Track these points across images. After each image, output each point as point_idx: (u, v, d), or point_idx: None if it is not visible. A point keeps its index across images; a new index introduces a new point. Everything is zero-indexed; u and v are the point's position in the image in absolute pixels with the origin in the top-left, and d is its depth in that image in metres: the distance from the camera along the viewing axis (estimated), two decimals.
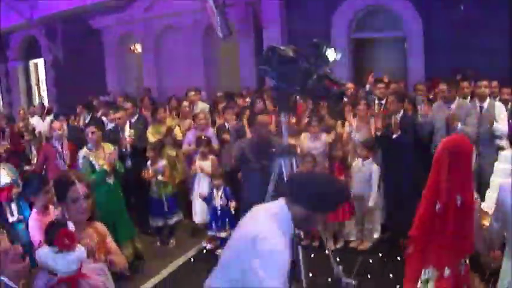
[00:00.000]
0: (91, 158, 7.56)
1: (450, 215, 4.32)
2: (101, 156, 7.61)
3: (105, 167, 7.46)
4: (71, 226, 3.73)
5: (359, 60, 15.23)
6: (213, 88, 16.04)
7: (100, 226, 4.26)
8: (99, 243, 4.08)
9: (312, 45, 4.93)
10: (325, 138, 8.85)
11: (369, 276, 7.20)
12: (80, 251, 3.69)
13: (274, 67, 5.09)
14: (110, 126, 9.77)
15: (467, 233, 4.41)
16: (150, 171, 8.59)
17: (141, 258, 8.11)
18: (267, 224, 3.45)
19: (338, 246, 8.42)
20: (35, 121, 14.32)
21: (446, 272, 4.42)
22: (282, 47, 5.16)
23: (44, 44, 21.56)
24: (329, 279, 6.79)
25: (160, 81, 18.08)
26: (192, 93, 11.20)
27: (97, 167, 7.51)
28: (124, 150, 9.01)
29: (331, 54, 4.89)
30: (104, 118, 10.92)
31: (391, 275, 7.14)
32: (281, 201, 3.57)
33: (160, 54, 18.56)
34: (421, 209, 4.60)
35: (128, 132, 9.19)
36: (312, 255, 7.77)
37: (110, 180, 7.59)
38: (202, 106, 11.18)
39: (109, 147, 7.81)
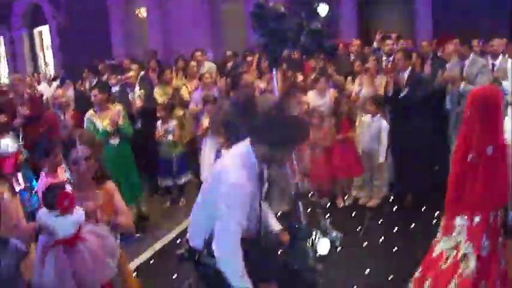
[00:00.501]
0: (94, 120, 7.58)
1: (482, 164, 4.32)
2: (105, 118, 7.62)
3: (108, 128, 7.49)
4: (68, 188, 3.78)
5: (366, 19, 15.05)
6: (220, 49, 15.91)
7: (109, 185, 4.29)
8: (105, 204, 4.13)
9: (304, 1, 4.91)
10: (332, 94, 8.79)
11: (377, 232, 7.20)
12: (79, 214, 3.77)
13: (264, 24, 4.98)
14: (115, 89, 9.70)
15: (500, 183, 4.40)
16: (161, 131, 8.58)
17: (146, 220, 8.18)
18: (230, 161, 3.79)
19: (347, 203, 8.43)
20: (42, 88, 14.30)
21: (476, 219, 4.44)
22: (271, 4, 5.03)
23: (47, 11, 21.47)
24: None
25: (165, 43, 17.87)
26: (199, 53, 11.12)
27: (100, 128, 7.53)
28: (134, 111, 9.00)
29: (322, 9, 4.84)
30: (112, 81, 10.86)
31: (398, 231, 7.17)
32: (246, 142, 3.82)
33: (165, 16, 18.31)
34: (453, 164, 4.63)
35: (138, 93, 9.17)
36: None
37: (114, 141, 7.61)
38: (208, 66, 11.11)
39: (118, 108, 7.83)
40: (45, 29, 23.14)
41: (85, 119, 7.67)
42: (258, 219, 3.93)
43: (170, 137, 8.56)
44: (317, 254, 4.04)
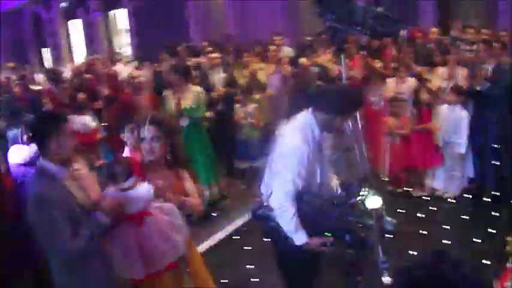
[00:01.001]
0: (168, 100, 7.69)
1: None
2: (188, 98, 7.67)
3: (173, 109, 7.54)
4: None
5: (445, 6, 14.70)
6: (297, 33, 15.83)
7: (184, 174, 4.34)
8: (175, 185, 4.18)
9: None
10: (411, 83, 8.67)
11: (453, 225, 7.06)
12: (147, 189, 3.84)
13: (331, 7, 5.10)
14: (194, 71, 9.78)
15: None
16: (240, 113, 8.62)
17: (225, 199, 8.24)
18: (289, 127, 4.27)
19: (424, 193, 8.26)
20: (118, 68, 14.53)
21: None
22: None
23: None
24: None
25: (242, 26, 17.92)
26: (278, 37, 11.14)
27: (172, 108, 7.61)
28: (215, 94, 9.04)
29: None
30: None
31: (475, 225, 7.04)
32: (305, 112, 4.25)
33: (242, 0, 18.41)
34: None
35: (221, 75, 9.22)
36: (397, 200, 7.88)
37: (183, 123, 7.56)
38: (287, 51, 11.10)
39: (196, 90, 7.85)
40: (121, 12, 23.53)
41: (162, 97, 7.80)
42: (318, 179, 4.26)
43: (250, 120, 8.59)
44: (367, 208, 4.25)
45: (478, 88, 7.74)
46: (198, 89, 7.94)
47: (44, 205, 3.45)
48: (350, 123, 4.97)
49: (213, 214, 7.98)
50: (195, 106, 7.71)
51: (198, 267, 4.35)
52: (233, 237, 7.33)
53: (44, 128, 3.65)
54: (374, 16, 4.96)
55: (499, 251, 4.89)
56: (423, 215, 7.43)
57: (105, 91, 9.58)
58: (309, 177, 4.15)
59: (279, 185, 4.13)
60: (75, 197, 3.64)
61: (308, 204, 4.13)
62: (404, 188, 8.38)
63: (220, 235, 7.39)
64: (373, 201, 4.29)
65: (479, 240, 6.50)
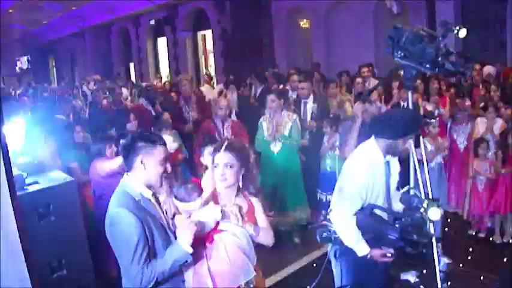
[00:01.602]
0: (264, 124, 7.78)
1: None
2: (275, 124, 7.79)
3: (268, 136, 7.68)
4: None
5: None
6: (384, 65, 15.82)
7: (254, 200, 4.25)
8: (248, 213, 4.11)
9: (441, 23, 5.04)
10: (501, 125, 8.53)
11: None
12: (215, 210, 3.85)
13: (401, 46, 5.09)
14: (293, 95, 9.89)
15: None
16: (327, 144, 8.67)
17: (305, 229, 8.24)
18: (356, 155, 4.74)
19: (505, 239, 8.02)
20: (204, 89, 14.84)
21: None
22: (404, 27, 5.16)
23: (212, 16, 22.23)
24: None
25: (328, 56, 17.99)
26: (366, 69, 11.19)
27: (265, 135, 7.75)
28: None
29: (461, 32, 4.96)
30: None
31: None
32: (371, 140, 4.67)
33: (329, 29, 18.49)
34: None
35: (310, 104, 9.30)
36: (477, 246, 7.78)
37: (274, 149, 7.77)
38: (374, 82, 11.13)
39: (293, 117, 7.97)
40: (208, 33, 24.00)
41: (259, 122, 7.88)
42: (383, 200, 4.66)
43: (336, 152, 8.62)
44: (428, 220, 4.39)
45: None
46: (295, 116, 8.07)
47: (121, 226, 3.46)
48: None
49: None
50: (292, 133, 7.87)
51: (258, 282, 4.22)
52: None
53: (129, 146, 3.64)
54: (445, 54, 4.95)
55: None
56: (503, 262, 7.26)
57: (193, 112, 9.81)
58: (372, 199, 4.58)
59: (337, 206, 4.69)
60: (164, 219, 3.69)
61: (371, 217, 4.52)
62: (484, 234, 8.20)
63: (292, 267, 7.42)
64: (435, 213, 4.37)
65: None
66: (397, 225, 4.40)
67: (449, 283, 6.58)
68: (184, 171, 8.22)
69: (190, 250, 3.53)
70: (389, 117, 4.90)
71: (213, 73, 22.26)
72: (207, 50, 25.01)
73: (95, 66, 30.77)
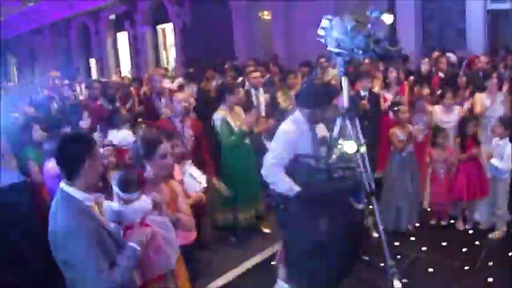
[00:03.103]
0: (229, 119, 7.58)
1: None
2: (237, 119, 7.64)
3: (244, 127, 7.49)
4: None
5: (495, 33, 14.52)
6: None
7: (175, 185, 4.44)
8: (170, 201, 4.22)
9: (370, 11, 5.64)
10: (458, 111, 8.55)
11: (495, 265, 6.78)
12: (145, 202, 3.84)
13: (334, 35, 5.78)
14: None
15: None
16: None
17: (262, 218, 8.15)
18: (285, 121, 5.53)
19: (467, 226, 8.03)
20: (164, 84, 14.60)
21: None
22: (337, 17, 5.82)
23: (171, 9, 22.03)
24: None
25: (289, 47, 17.88)
26: (323, 60, 11.11)
27: (235, 128, 7.53)
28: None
29: (387, 18, 5.66)
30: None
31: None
32: (297, 110, 5.52)
33: (289, 20, 18.31)
34: None
35: (263, 96, 9.19)
36: (440, 234, 7.78)
37: (248, 141, 7.69)
38: (333, 73, 11.03)
39: (238, 109, 7.83)
40: (168, 27, 23.79)
41: (216, 119, 7.62)
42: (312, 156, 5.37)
43: None
44: (345, 152, 5.48)
45: None
46: (239, 108, 7.95)
47: (82, 239, 3.28)
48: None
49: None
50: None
51: (183, 283, 4.30)
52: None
53: (77, 153, 3.43)
54: (374, 40, 5.56)
55: None
56: (464, 249, 7.26)
57: (166, 108, 9.64)
58: (298, 152, 5.29)
59: (266, 158, 5.36)
60: (106, 225, 3.57)
61: (299, 165, 5.25)
62: (446, 222, 8.17)
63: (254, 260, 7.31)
64: (350, 146, 5.53)
65: None
66: (322, 166, 5.25)
67: (412, 272, 6.60)
68: None
69: (134, 244, 3.52)
70: (306, 91, 5.78)
71: (172, 66, 22.05)
72: (168, 44, 24.76)
73: (55, 62, 30.31)
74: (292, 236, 5.42)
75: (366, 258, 6.67)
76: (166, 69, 17.48)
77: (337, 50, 5.89)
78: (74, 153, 3.42)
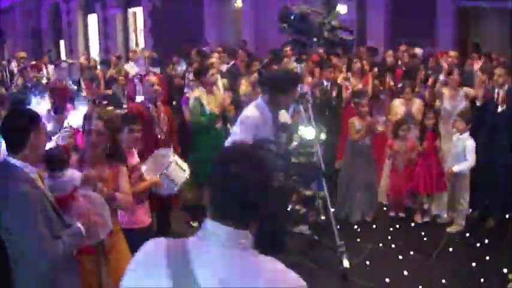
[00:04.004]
0: (203, 101, 7.53)
1: None
2: (212, 100, 7.61)
3: (216, 111, 7.49)
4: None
5: (464, 30, 14.57)
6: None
7: (120, 167, 4.50)
8: (110, 179, 4.31)
9: (324, 2, 5.71)
10: (418, 104, 8.58)
11: (453, 256, 6.91)
12: (74, 176, 3.95)
13: (291, 24, 5.90)
14: None
15: None
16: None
17: None
18: (248, 107, 5.60)
19: (425, 219, 8.05)
20: (128, 67, 14.49)
21: None
22: (295, 6, 5.99)
23: None
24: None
25: (258, 35, 17.80)
26: (289, 48, 11.03)
27: (207, 110, 7.50)
28: None
29: (342, 8, 5.76)
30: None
31: (476, 256, 6.81)
32: (260, 96, 5.62)
33: (260, 8, 18.19)
34: None
35: (221, 81, 9.13)
36: (397, 226, 7.82)
37: (219, 125, 7.65)
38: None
39: (219, 94, 7.91)
40: (139, 11, 23.54)
41: (192, 97, 7.61)
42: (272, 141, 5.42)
43: None
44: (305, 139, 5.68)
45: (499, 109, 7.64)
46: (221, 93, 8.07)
47: (25, 206, 3.34)
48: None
49: None
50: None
51: (118, 260, 4.27)
52: None
53: (22, 126, 3.50)
54: (330, 28, 5.76)
55: None
56: (422, 241, 7.34)
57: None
58: (259, 136, 5.27)
59: (229, 141, 5.35)
60: (49, 196, 3.60)
61: (263, 150, 5.00)
62: (404, 214, 8.22)
63: None
64: (309, 132, 5.72)
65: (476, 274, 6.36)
66: (282, 152, 5.42)
67: (369, 262, 6.67)
68: None
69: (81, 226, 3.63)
70: (270, 77, 6.03)
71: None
72: (138, 28, 24.52)
73: (25, 43, 29.82)
74: None
75: (316, 238, 6.95)
76: (135, 52, 17.31)
77: (293, 38, 6.18)
78: (19, 127, 3.49)
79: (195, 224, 7.68)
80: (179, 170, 5.74)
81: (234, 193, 1.99)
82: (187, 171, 5.85)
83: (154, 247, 2.10)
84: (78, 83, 10.91)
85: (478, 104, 8.16)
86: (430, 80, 9.26)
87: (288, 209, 6.32)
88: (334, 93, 8.91)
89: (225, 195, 2.02)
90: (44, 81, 12.18)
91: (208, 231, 2.03)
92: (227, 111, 7.80)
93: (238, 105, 8.61)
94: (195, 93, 7.66)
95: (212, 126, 7.56)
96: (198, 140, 7.65)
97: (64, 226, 3.58)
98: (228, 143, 5.33)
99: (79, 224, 3.61)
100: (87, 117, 4.43)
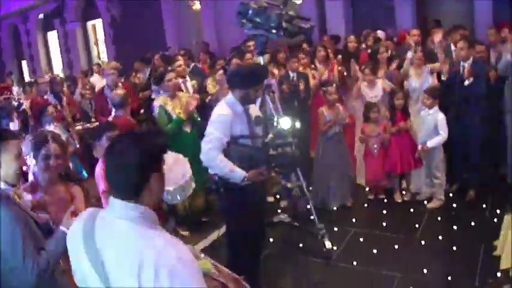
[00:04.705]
0: (168, 107, 7.46)
1: None
2: (177, 105, 7.52)
3: (182, 115, 7.40)
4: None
5: (424, 9, 14.59)
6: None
7: (76, 190, 4.38)
8: (64, 202, 4.16)
9: None
10: (381, 84, 8.59)
11: (436, 230, 6.99)
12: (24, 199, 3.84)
13: (249, 18, 6.02)
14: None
15: None
16: None
17: (212, 209, 8.00)
18: (218, 105, 5.49)
19: (405, 198, 8.15)
20: (94, 79, 14.40)
21: None
22: (252, 1, 6.06)
23: (100, 4, 21.68)
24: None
25: (219, 35, 17.73)
26: (252, 43, 10.97)
27: (174, 116, 7.43)
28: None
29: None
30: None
31: (458, 229, 6.94)
32: (230, 92, 5.45)
33: (219, 9, 18.07)
34: None
35: (190, 83, 9.08)
36: (378, 208, 7.87)
37: (187, 129, 7.54)
38: (259, 58, 10.93)
39: (185, 96, 7.74)
40: (98, 22, 23.38)
41: (156, 106, 7.53)
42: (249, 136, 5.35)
43: None
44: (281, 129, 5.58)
45: (466, 82, 7.70)
46: (186, 94, 7.94)
47: (8, 225, 3.27)
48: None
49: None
50: (196, 112, 7.75)
51: None
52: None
53: None
54: (287, 19, 5.85)
55: None
56: (403, 220, 7.40)
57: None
58: (236, 133, 5.23)
59: (204, 142, 5.23)
60: (29, 211, 3.56)
61: (238, 146, 5.23)
62: (383, 195, 8.31)
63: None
64: (285, 122, 5.67)
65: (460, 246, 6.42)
66: (259, 145, 5.34)
67: (352, 246, 6.75)
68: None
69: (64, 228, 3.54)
70: (237, 72, 5.84)
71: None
72: (98, 40, 24.35)
73: None
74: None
75: (296, 224, 7.23)
76: (99, 65, 17.20)
77: (253, 32, 6.23)
78: None
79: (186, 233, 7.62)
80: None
81: (115, 166, 2.39)
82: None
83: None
84: (59, 98, 11.01)
85: (444, 78, 8.16)
86: (395, 61, 9.25)
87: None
88: (301, 85, 8.86)
89: (111, 170, 2.42)
90: (14, 103, 12.18)
91: (110, 206, 2.41)
92: (194, 113, 7.64)
93: (207, 104, 8.58)
94: (158, 101, 7.55)
95: (181, 131, 7.47)
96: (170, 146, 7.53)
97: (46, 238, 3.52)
98: (203, 142, 5.24)
99: (62, 227, 3.53)
100: (40, 142, 4.27)
